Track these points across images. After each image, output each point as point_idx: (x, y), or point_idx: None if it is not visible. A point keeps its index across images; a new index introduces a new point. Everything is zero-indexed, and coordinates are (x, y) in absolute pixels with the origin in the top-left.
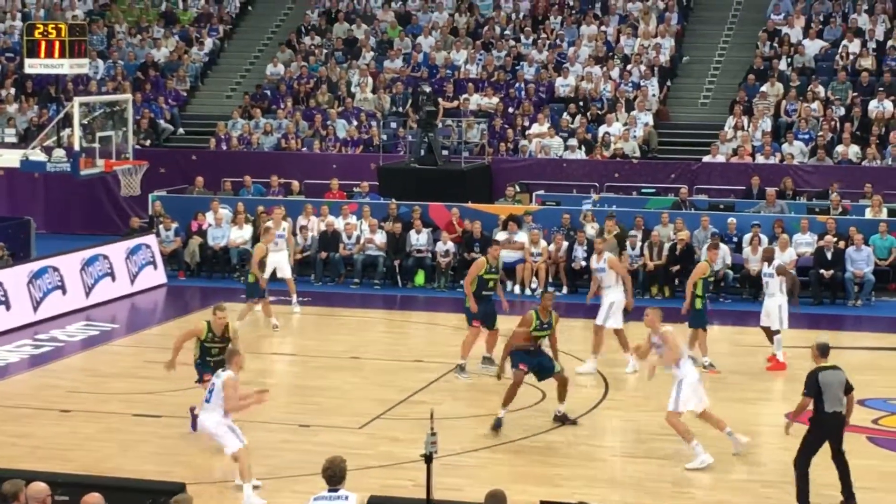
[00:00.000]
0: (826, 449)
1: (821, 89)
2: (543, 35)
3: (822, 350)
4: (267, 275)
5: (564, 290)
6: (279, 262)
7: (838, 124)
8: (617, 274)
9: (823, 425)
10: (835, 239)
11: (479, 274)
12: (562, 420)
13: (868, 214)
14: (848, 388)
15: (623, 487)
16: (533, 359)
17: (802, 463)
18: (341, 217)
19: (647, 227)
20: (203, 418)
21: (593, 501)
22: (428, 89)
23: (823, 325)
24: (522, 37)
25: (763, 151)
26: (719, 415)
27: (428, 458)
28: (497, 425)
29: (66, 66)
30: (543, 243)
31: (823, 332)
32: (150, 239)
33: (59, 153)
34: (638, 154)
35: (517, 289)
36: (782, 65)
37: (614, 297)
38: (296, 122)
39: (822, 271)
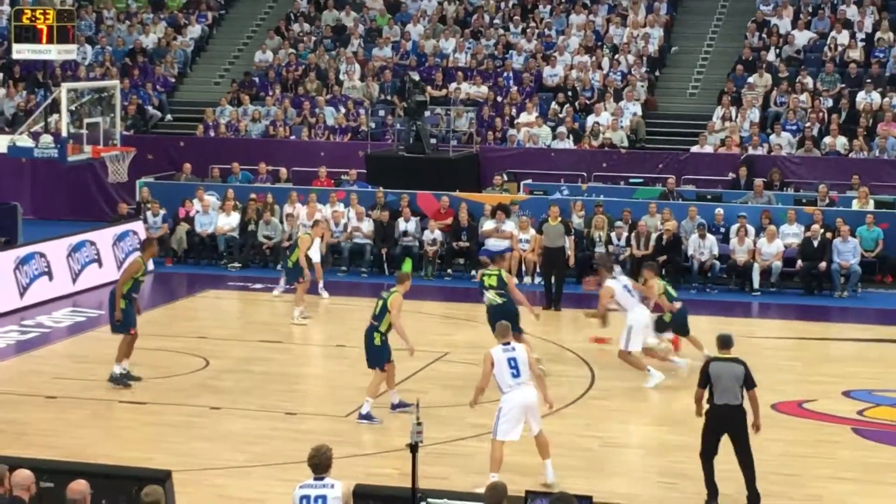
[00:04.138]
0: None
1: (809, 80)
2: (532, 24)
3: (722, 342)
4: None
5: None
6: None
7: (826, 115)
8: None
9: (713, 417)
10: (822, 229)
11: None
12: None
13: (855, 206)
14: (749, 384)
15: (611, 477)
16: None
17: (704, 455)
18: (329, 205)
19: (635, 218)
20: (529, 393)
21: (579, 491)
22: (416, 77)
23: (810, 315)
24: (511, 26)
25: (751, 142)
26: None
27: (413, 448)
28: None
29: (53, 52)
30: (532, 231)
31: (810, 323)
32: (138, 225)
33: (47, 139)
34: (626, 144)
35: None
36: (771, 56)
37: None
38: (284, 110)
39: (821, 265)
